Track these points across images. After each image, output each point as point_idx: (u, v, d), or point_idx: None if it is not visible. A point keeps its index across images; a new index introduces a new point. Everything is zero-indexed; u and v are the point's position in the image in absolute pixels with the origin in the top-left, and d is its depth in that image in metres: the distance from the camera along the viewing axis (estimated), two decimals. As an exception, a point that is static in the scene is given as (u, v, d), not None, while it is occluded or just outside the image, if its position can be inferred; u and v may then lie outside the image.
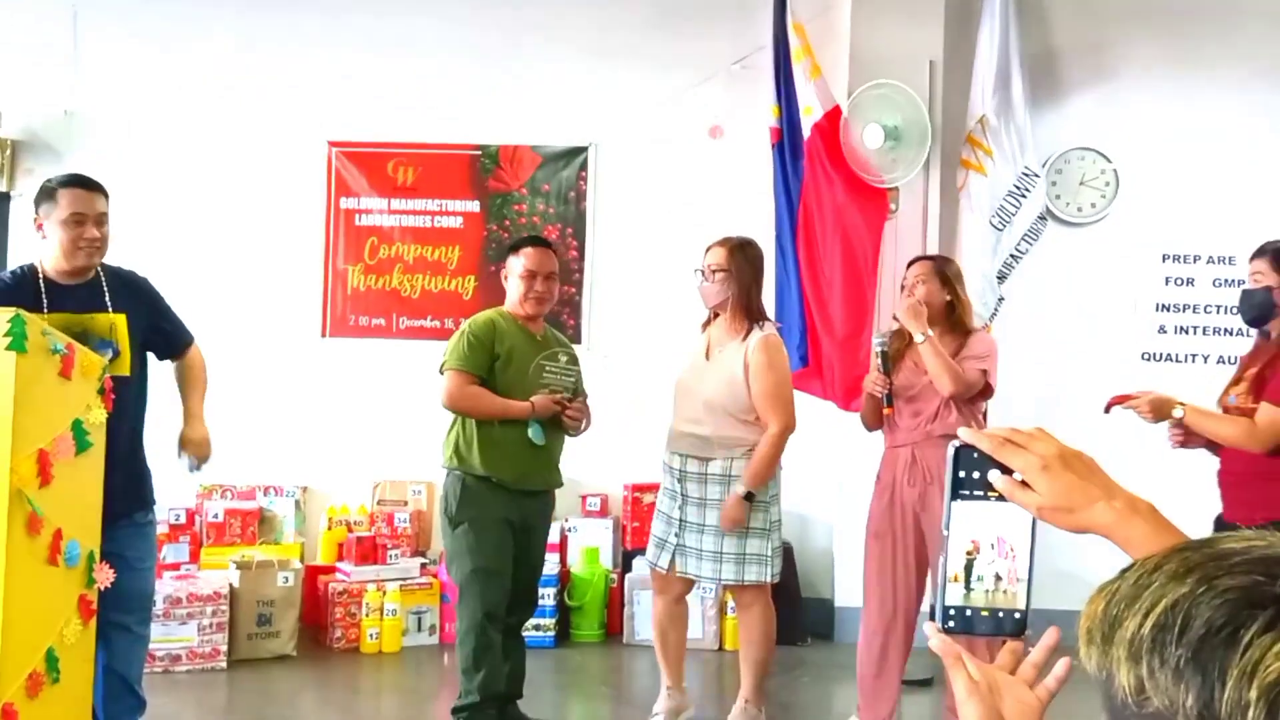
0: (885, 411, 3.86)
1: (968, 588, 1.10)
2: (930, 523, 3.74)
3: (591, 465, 5.19)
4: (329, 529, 5.61)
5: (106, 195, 3.34)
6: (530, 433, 3.82)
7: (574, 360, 4.03)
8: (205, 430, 3.56)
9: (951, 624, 1.10)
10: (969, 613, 1.10)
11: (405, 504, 5.68)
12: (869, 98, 5.33)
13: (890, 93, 5.32)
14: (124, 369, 3.34)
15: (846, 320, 5.24)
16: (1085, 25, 5.69)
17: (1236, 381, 3.50)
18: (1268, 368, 3.34)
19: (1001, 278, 5.41)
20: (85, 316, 3.28)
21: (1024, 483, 1.08)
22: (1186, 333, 5.66)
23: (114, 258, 3.43)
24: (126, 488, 3.30)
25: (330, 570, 5.41)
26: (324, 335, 5.89)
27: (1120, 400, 3.44)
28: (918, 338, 3.78)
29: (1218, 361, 5.51)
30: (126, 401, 3.30)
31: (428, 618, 5.27)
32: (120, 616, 3.33)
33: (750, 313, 3.97)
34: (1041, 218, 5.47)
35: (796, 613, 5.31)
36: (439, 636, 5.23)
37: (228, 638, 4.82)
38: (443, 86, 5.85)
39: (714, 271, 3.96)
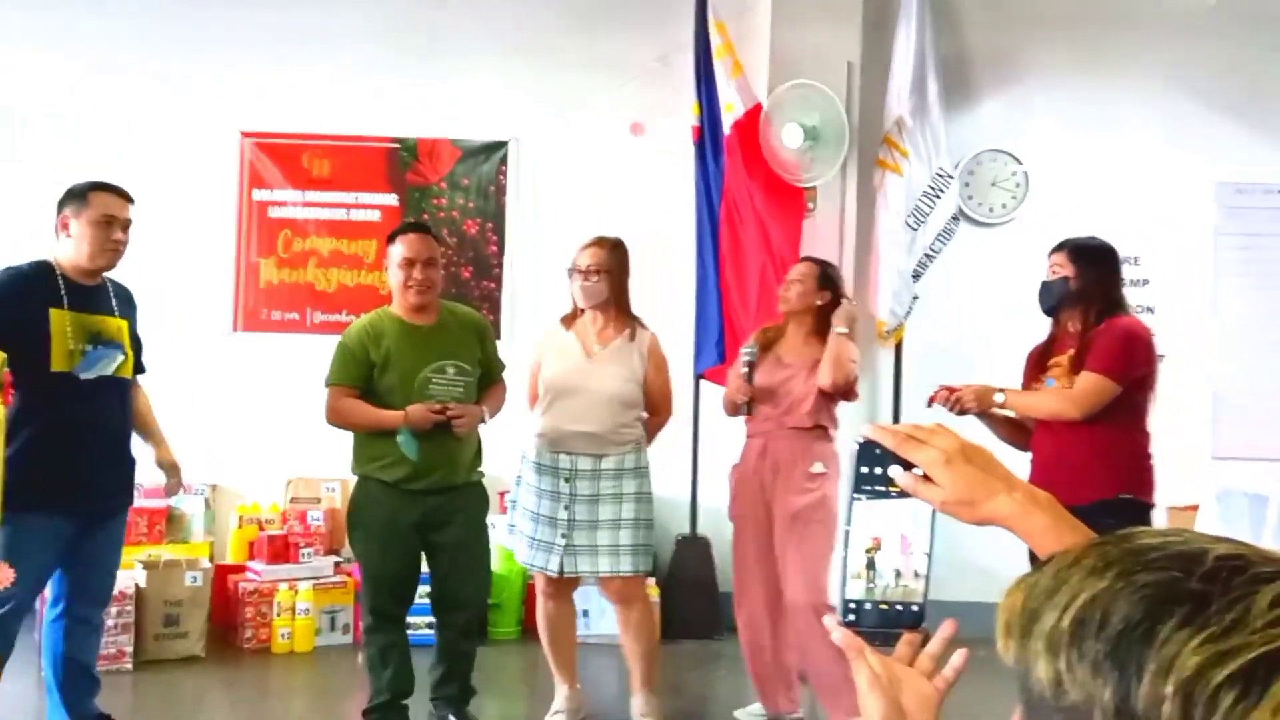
0: (745, 418, 4.13)
1: (868, 582, 1.12)
2: (779, 510, 3.97)
3: (509, 462, 5.15)
4: (239, 527, 5.49)
5: (133, 203, 3.60)
6: (400, 442, 3.68)
7: (463, 370, 3.81)
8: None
9: (852, 617, 1.12)
10: (869, 606, 1.13)
11: (318, 501, 5.58)
12: (789, 97, 5.38)
13: (809, 93, 5.37)
14: (128, 371, 3.60)
15: (768, 316, 5.28)
16: (997, 31, 5.81)
17: (1043, 370, 3.70)
18: (1084, 349, 3.53)
19: (917, 276, 5.52)
20: (100, 318, 3.51)
21: (926, 477, 1.10)
22: (1093, 332, 5.81)
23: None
24: (121, 486, 3.60)
25: (241, 569, 5.29)
26: (235, 329, 5.77)
27: (946, 392, 3.59)
28: (837, 329, 3.97)
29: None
30: (125, 403, 3.59)
31: (341, 617, 5.19)
32: (87, 612, 3.59)
33: (628, 310, 4.07)
34: (955, 218, 5.59)
35: (715, 606, 5.34)
36: (353, 636, 5.15)
37: (134, 639, 4.69)
38: (360, 78, 5.77)
39: (595, 271, 3.99)
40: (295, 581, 5.14)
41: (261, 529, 5.40)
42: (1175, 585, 0.66)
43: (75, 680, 3.57)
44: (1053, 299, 3.68)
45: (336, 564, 5.34)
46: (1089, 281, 3.61)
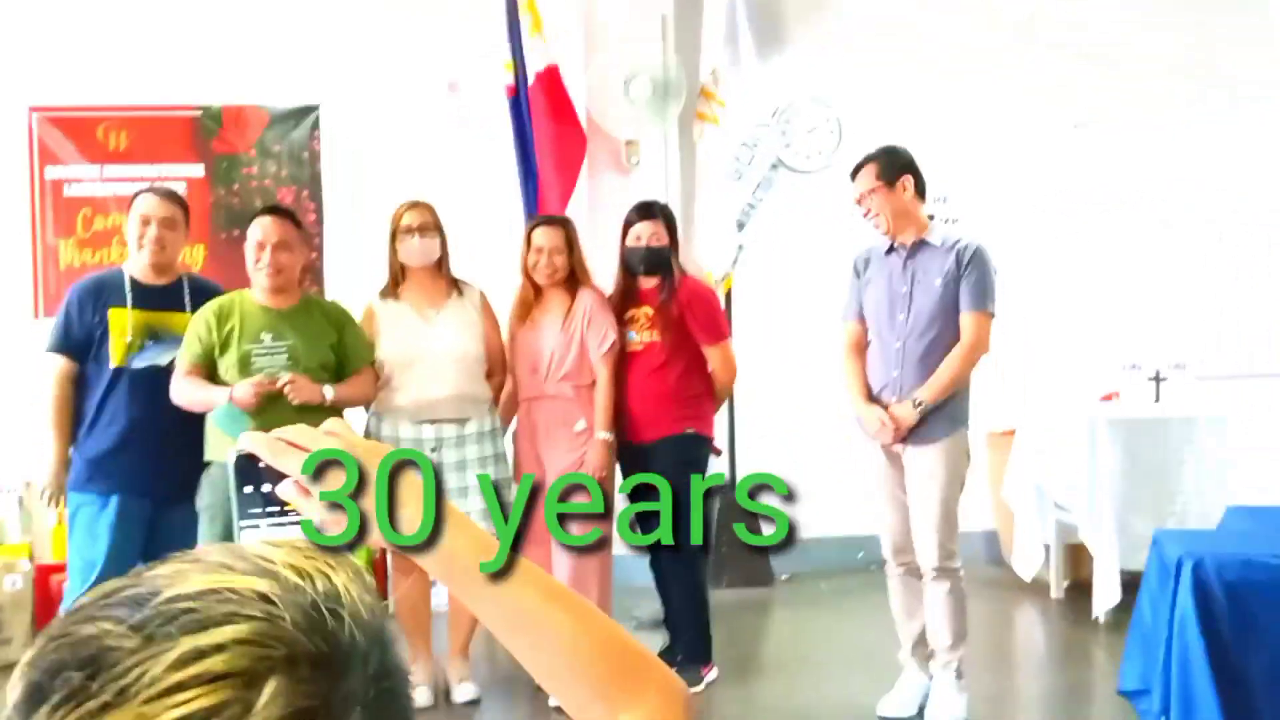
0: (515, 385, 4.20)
1: None
2: (550, 472, 3.99)
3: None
4: (59, 524, 5.20)
5: (184, 207, 3.86)
6: (214, 418, 3.56)
7: (281, 336, 3.68)
8: None
9: None
10: None
11: (144, 491, 5.34)
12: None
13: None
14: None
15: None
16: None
17: (622, 323, 4.05)
18: (683, 309, 4.05)
19: (740, 226, 5.60)
20: (164, 314, 3.71)
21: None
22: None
23: None
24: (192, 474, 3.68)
25: (65, 569, 5.02)
26: (37, 316, 5.42)
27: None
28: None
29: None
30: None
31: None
32: None
33: (450, 272, 4.06)
34: (774, 166, 5.68)
35: (763, 557, 5.42)
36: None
37: (-51, 651, 4.43)
38: (156, 43, 5.46)
39: (426, 228, 3.97)
40: (124, 576, 4.91)
41: (83, 524, 5.13)
42: (76, 655, 0.56)
43: None
44: (660, 265, 4.09)
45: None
46: (674, 247, 4.15)
